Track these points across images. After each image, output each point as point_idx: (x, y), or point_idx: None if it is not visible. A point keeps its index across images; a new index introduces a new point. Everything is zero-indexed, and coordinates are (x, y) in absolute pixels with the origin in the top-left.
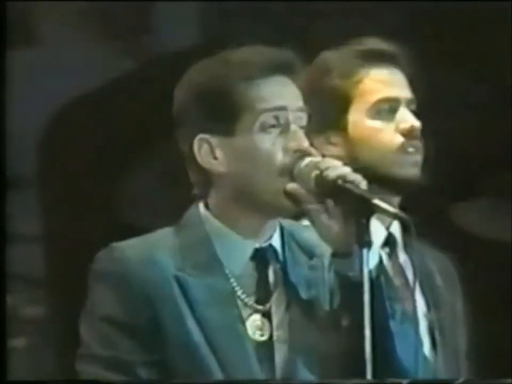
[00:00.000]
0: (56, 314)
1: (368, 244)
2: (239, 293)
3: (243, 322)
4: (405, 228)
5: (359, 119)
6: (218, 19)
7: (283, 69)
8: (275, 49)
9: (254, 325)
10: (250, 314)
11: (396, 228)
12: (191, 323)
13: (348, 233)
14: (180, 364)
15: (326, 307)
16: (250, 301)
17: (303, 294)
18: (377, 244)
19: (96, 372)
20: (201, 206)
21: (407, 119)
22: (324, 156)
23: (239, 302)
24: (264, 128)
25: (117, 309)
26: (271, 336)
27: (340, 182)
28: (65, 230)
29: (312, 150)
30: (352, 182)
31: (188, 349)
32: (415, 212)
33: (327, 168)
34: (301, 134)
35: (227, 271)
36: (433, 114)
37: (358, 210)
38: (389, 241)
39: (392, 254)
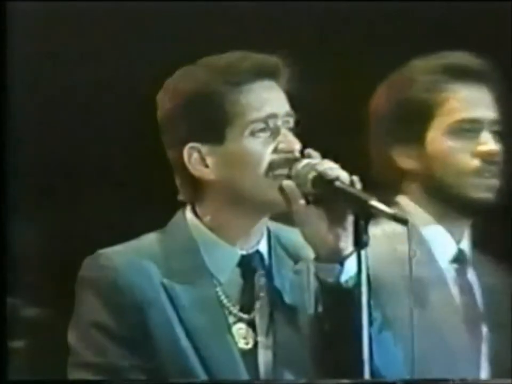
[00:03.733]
0: (56, 315)
1: (366, 244)
2: (224, 301)
3: (229, 329)
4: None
5: (438, 136)
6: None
7: (269, 73)
8: (260, 54)
9: (238, 333)
10: (235, 323)
11: (466, 244)
12: (178, 329)
13: (334, 237)
14: (168, 369)
15: (311, 311)
16: (235, 309)
17: (287, 300)
18: (446, 258)
19: (87, 378)
20: (188, 212)
21: (487, 142)
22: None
23: (225, 310)
24: (253, 133)
25: (105, 316)
26: (255, 344)
27: (337, 183)
28: (65, 231)
29: (312, 152)
30: (349, 184)
31: (175, 355)
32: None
33: (324, 170)
34: (291, 136)
35: (213, 279)
36: None
37: (355, 211)
38: (459, 258)
39: (461, 271)
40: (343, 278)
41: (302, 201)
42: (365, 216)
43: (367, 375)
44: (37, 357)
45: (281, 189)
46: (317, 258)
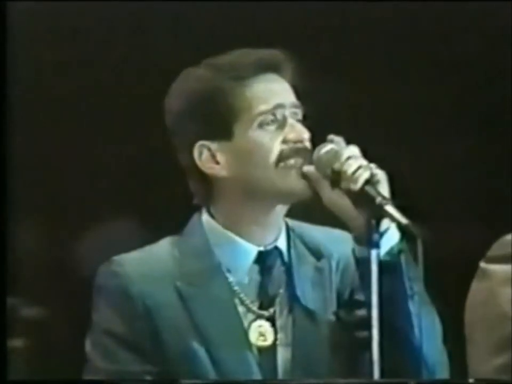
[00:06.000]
0: (56, 315)
1: (377, 246)
2: (243, 298)
3: (245, 330)
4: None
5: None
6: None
7: (272, 67)
8: (261, 49)
9: (257, 330)
10: (254, 320)
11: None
12: (191, 334)
13: (365, 215)
14: (180, 373)
15: (333, 308)
16: (254, 306)
17: (307, 297)
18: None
19: None
20: (204, 214)
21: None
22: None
23: (243, 308)
24: (262, 126)
25: (118, 323)
26: (274, 341)
27: (358, 184)
28: (65, 231)
29: (335, 138)
30: (368, 182)
31: (188, 358)
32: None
33: (347, 160)
34: (299, 126)
35: (231, 279)
36: None
37: (368, 211)
38: None
39: None
40: (381, 254)
41: (326, 184)
42: (377, 217)
43: (376, 375)
44: (37, 357)
45: (304, 175)
46: (356, 238)
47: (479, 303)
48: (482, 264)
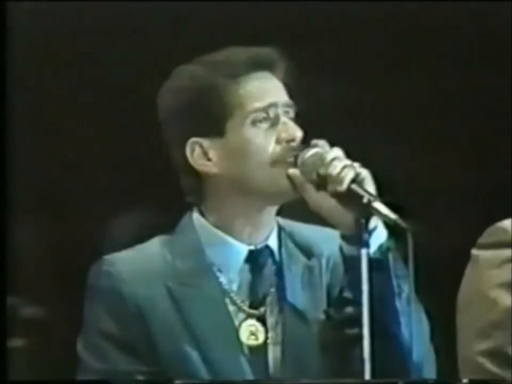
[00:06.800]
0: (56, 315)
1: (367, 245)
2: (234, 297)
3: (236, 330)
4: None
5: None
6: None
7: (265, 65)
8: (254, 47)
9: (248, 330)
10: (245, 319)
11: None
12: (182, 333)
13: (353, 216)
14: (173, 373)
15: (323, 307)
16: (245, 305)
17: (298, 296)
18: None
19: None
20: (195, 213)
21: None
22: None
23: (234, 307)
24: (254, 123)
25: (109, 323)
26: (265, 340)
27: (344, 185)
28: (65, 231)
29: (320, 142)
30: (354, 181)
31: (179, 359)
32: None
33: (332, 162)
34: (292, 124)
35: (221, 278)
36: None
37: (357, 210)
38: None
39: None
40: (371, 252)
41: (311, 188)
42: (366, 216)
43: (367, 375)
44: (37, 357)
45: (289, 177)
46: (344, 237)
47: (468, 288)
48: (474, 251)
